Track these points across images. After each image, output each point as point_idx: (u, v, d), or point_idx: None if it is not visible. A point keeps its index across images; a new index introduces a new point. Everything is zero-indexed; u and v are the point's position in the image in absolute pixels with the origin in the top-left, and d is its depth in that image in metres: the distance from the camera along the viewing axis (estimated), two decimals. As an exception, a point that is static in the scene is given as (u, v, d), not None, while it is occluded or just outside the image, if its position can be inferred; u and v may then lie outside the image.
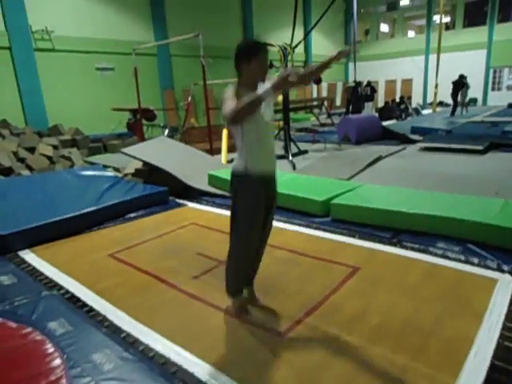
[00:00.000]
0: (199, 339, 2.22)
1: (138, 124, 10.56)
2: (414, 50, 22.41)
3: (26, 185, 4.96)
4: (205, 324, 2.38)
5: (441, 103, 19.04)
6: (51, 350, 1.46)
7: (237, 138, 2.06)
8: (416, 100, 21.07)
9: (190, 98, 10.16)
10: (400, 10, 24.16)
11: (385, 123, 10.93)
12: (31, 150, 7.21)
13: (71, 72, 11.55)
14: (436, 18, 21.19)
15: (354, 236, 3.66)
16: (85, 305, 2.63)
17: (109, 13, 12.31)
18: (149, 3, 13.35)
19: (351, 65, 23.55)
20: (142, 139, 9.24)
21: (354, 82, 15.76)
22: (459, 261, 3.04)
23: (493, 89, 21.07)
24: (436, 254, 3.17)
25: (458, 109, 15.20)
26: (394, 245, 3.41)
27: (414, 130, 10.37)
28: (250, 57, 1.90)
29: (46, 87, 10.82)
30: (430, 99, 20.79)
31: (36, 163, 6.81)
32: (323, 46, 22.38)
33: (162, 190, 5.16)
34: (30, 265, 3.34)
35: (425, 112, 17.61)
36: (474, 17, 21.24)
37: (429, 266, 3.00)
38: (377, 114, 13.99)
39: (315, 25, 9.53)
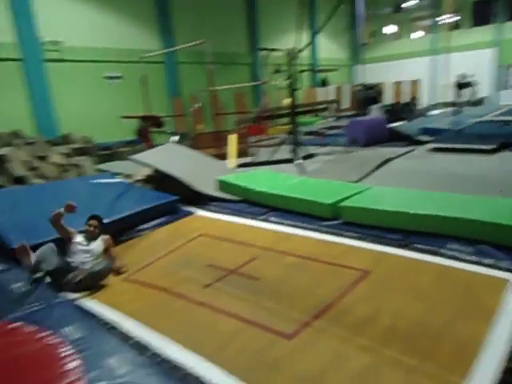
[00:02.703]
0: (209, 344, 2.24)
1: (147, 131, 10.66)
2: (421, 51, 22.27)
3: (38, 194, 5.00)
4: (214, 329, 2.39)
5: (449, 103, 18.86)
6: (69, 352, 1.49)
7: None
8: (424, 100, 20.91)
9: (197, 104, 10.24)
10: (406, 11, 24.06)
11: (392, 125, 10.87)
12: (43, 158, 7.34)
13: (80, 81, 11.74)
14: (443, 17, 21.05)
15: (363, 239, 3.63)
16: (96, 315, 2.66)
17: (117, 22, 12.50)
18: (156, 12, 13.52)
19: (357, 67, 23.53)
20: (151, 146, 9.33)
21: (362, 84, 15.75)
22: (471, 262, 3.01)
23: (504, 87, 20.81)
24: (447, 256, 3.14)
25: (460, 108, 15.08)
26: (404, 247, 3.38)
27: (423, 131, 10.28)
28: None
29: (56, 97, 11.01)
30: (438, 99, 20.62)
31: (48, 172, 6.93)
32: (329, 49, 22.38)
33: (174, 199, 5.02)
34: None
35: (433, 112, 17.47)
36: (481, 16, 21.04)
37: (440, 268, 2.97)
38: (384, 116, 13.93)
39: (321, 28, 9.56)
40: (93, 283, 3.09)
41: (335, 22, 20.59)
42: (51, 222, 3.40)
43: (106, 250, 3.53)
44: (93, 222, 3.59)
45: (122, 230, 4.37)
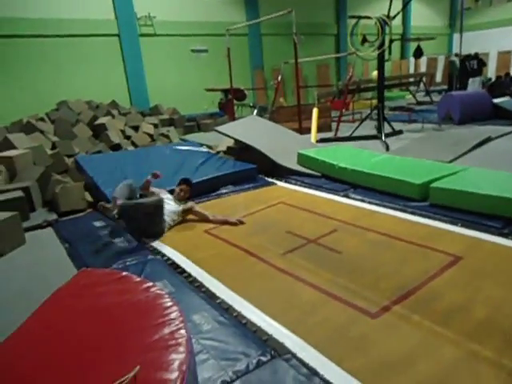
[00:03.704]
0: (289, 312, 2.27)
1: (229, 104, 10.89)
2: (539, 14, 19.22)
3: (133, 158, 5.46)
4: (295, 298, 2.42)
5: None
6: (170, 303, 1.62)
7: None
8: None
9: (280, 77, 10.13)
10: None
11: (496, 100, 9.68)
12: (135, 128, 7.92)
13: (169, 55, 12.28)
14: None
15: (455, 223, 3.36)
16: (184, 271, 2.86)
17: (204, -4, 12.72)
18: (242, -17, 13.45)
19: (456, 36, 21.14)
20: (233, 118, 9.54)
21: (456, 55, 14.18)
22: None
23: None
24: (559, 249, 2.77)
25: None
26: (506, 236, 3.06)
27: (533, 109, 9.01)
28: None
29: (147, 70, 11.71)
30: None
31: (139, 140, 7.47)
32: (424, 16, 20.39)
33: (252, 167, 5.31)
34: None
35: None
36: None
37: (549, 262, 2.64)
38: (485, 90, 12.45)
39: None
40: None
41: (433, -15, 18.63)
42: (142, 188, 3.72)
43: (186, 210, 3.81)
44: (183, 186, 3.94)
45: (203, 192, 4.69)
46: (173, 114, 9.59)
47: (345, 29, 16.15)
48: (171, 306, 1.57)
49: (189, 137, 8.32)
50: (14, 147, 5.41)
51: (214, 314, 2.26)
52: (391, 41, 7.49)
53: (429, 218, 3.55)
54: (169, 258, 3.09)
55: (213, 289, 2.56)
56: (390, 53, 7.53)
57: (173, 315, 1.48)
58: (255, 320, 2.20)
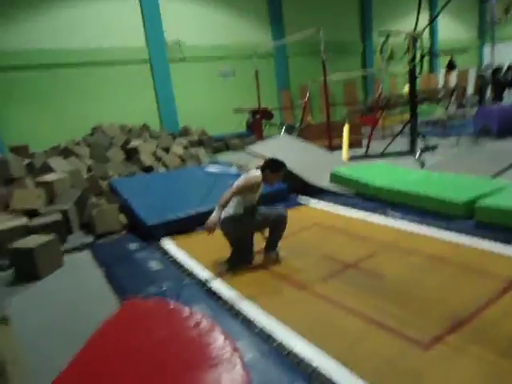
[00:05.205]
0: (333, 342, 2.14)
1: (257, 123, 10.96)
2: None
3: (164, 180, 5.55)
4: (338, 326, 2.29)
5: None
6: (223, 337, 1.54)
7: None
8: None
9: (307, 96, 10.12)
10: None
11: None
12: (166, 150, 8.07)
13: (198, 78, 12.56)
14: None
15: (505, 244, 3.13)
16: (220, 298, 2.75)
17: (229, 19, 13.03)
18: (266, 5, 13.72)
19: (486, 47, 20.64)
20: (261, 137, 9.57)
21: (485, 67, 13.80)
22: None
23: None
24: None
25: None
26: None
27: None
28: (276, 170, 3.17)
29: (177, 93, 12.00)
30: None
31: (170, 162, 7.59)
32: (452, 29, 20.06)
33: (283, 187, 5.22)
34: (171, 255, 3.67)
35: None
36: None
37: None
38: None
39: (444, 6, 8.49)
40: None
41: (460, -1, 18.37)
42: None
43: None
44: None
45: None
46: (202, 134, 9.74)
47: (370, 46, 16.13)
48: (225, 341, 1.48)
49: (217, 157, 8.39)
50: (52, 170, 5.60)
51: (255, 341, 2.16)
52: (422, 56, 7.33)
53: (475, 237, 3.34)
54: (204, 284, 3.01)
55: (252, 316, 2.46)
56: (421, 67, 7.35)
57: (229, 351, 1.39)
58: (298, 350, 2.08)
